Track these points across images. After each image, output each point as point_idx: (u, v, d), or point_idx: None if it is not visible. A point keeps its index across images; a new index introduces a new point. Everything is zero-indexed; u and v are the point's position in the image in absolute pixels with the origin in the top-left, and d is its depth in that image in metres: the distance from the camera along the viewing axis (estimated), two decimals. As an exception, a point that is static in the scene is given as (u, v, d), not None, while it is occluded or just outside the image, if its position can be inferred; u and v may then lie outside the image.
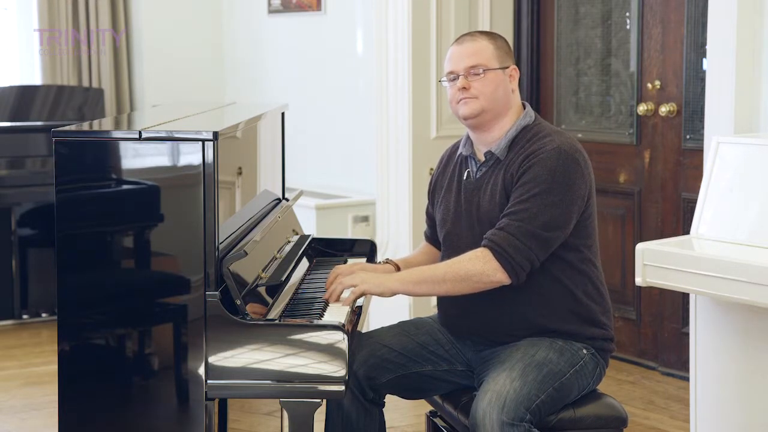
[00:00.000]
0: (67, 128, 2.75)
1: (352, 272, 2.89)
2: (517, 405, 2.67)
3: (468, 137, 2.99)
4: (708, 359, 3.59)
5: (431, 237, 3.14)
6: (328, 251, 3.47)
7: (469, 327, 2.93)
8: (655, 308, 4.83)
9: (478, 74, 2.86)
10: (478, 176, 2.92)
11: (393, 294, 2.83)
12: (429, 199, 3.12)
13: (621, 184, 4.95)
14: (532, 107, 3.00)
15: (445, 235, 2.97)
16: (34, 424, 4.31)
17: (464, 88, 2.87)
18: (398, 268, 3.05)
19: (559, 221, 2.78)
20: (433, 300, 4.99)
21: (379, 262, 3.12)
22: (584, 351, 2.87)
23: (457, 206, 2.95)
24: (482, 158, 2.93)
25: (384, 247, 5.19)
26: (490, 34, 2.96)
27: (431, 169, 5.12)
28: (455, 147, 3.07)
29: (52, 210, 2.65)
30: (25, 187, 5.69)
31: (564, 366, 2.81)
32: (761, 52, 3.63)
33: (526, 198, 2.77)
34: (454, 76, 2.90)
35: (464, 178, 2.96)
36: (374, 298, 3.24)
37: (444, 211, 2.98)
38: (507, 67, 2.91)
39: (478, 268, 2.76)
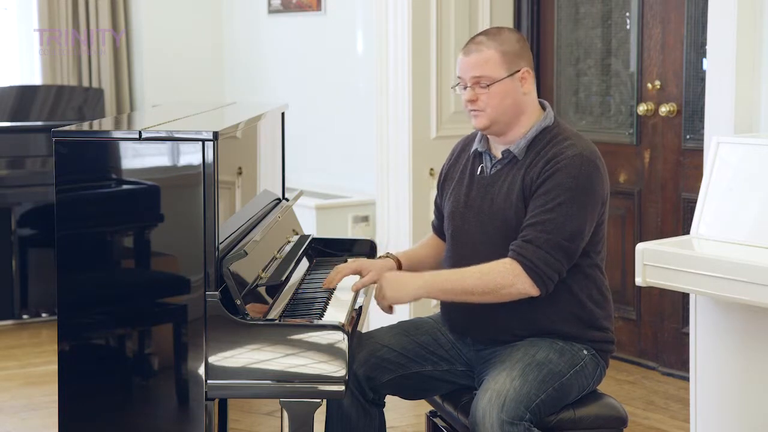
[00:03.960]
0: (67, 128, 2.75)
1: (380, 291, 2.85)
2: (517, 404, 2.67)
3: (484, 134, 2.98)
4: (708, 359, 3.59)
5: (438, 229, 3.13)
6: (328, 251, 3.47)
7: (471, 324, 2.93)
8: (655, 308, 4.83)
9: (483, 87, 2.83)
10: (492, 172, 2.91)
11: (414, 300, 2.84)
12: (438, 191, 3.10)
13: (621, 184, 4.95)
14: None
15: (454, 230, 2.96)
16: (34, 424, 4.31)
17: (471, 100, 2.85)
18: (399, 263, 3.05)
19: (582, 230, 2.78)
20: (435, 300, 5.00)
21: (380, 257, 3.12)
22: (585, 352, 2.87)
23: (468, 200, 2.93)
24: (498, 155, 2.91)
25: (384, 247, 5.18)
26: (497, 38, 2.86)
27: (431, 169, 5.13)
28: (468, 140, 3.05)
29: (52, 210, 2.65)
30: (25, 187, 5.68)
31: (564, 366, 2.81)
32: (761, 52, 3.63)
33: (551, 207, 2.76)
34: (461, 83, 2.88)
35: (477, 172, 2.95)
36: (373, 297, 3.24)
37: (453, 204, 2.96)
38: (517, 71, 2.86)
39: (508, 281, 2.75)
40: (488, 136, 2.94)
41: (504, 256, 2.81)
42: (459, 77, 2.89)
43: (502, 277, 2.75)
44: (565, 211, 2.76)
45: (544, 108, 2.93)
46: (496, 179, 2.90)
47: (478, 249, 2.89)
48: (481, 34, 2.92)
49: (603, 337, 2.91)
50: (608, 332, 2.93)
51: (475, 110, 2.85)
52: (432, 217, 3.18)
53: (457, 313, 2.95)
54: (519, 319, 2.85)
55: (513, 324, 2.86)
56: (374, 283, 2.91)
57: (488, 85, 2.83)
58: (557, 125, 2.91)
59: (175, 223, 2.65)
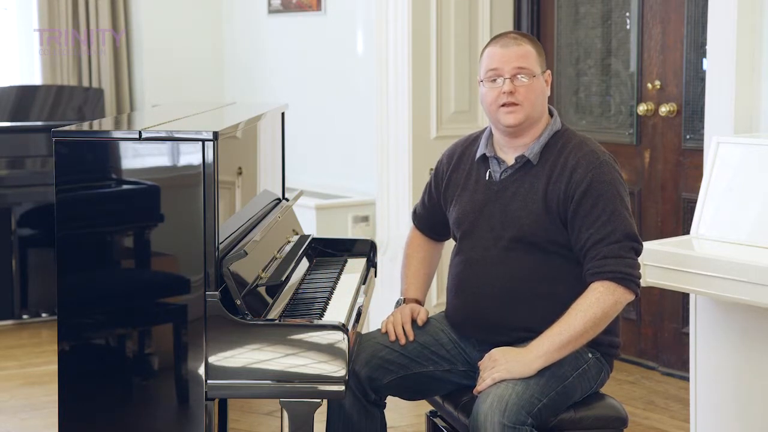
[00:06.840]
0: (67, 128, 2.75)
1: (494, 364, 2.79)
2: (519, 409, 2.66)
3: (489, 137, 2.96)
4: (708, 359, 3.59)
5: (426, 227, 3.13)
6: (328, 251, 3.47)
7: (477, 329, 2.91)
8: (655, 308, 4.83)
9: (524, 80, 2.83)
10: (503, 177, 2.90)
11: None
12: (438, 195, 3.06)
13: (621, 184, 4.94)
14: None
15: (462, 235, 2.95)
16: (34, 424, 4.31)
17: (510, 92, 2.82)
18: (419, 303, 3.05)
19: (634, 225, 2.85)
20: (435, 300, 5.00)
21: (399, 303, 3.08)
22: (589, 355, 2.86)
23: (476, 206, 2.92)
24: (509, 160, 2.90)
25: (384, 246, 5.19)
26: (526, 37, 2.92)
27: (431, 169, 5.08)
28: (468, 143, 3.03)
29: (52, 210, 2.65)
30: (25, 187, 5.68)
31: (567, 369, 2.79)
32: (761, 52, 3.63)
33: (606, 219, 2.79)
34: (495, 75, 2.84)
35: (486, 177, 2.93)
36: (374, 297, 3.25)
37: (461, 210, 2.95)
38: (544, 72, 2.90)
39: (609, 301, 2.76)
40: (500, 138, 2.92)
41: (515, 261, 2.83)
42: (493, 69, 2.85)
43: (603, 302, 2.76)
44: (619, 216, 2.81)
45: (551, 113, 2.95)
46: (509, 185, 2.89)
47: (488, 254, 2.88)
48: (508, 33, 2.93)
49: (609, 341, 2.91)
50: (615, 336, 2.93)
51: (512, 103, 2.83)
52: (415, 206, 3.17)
53: (463, 318, 2.94)
54: (528, 325, 2.83)
55: (520, 329, 2.85)
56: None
57: (531, 77, 2.84)
58: (566, 129, 2.94)
59: (175, 223, 2.65)
